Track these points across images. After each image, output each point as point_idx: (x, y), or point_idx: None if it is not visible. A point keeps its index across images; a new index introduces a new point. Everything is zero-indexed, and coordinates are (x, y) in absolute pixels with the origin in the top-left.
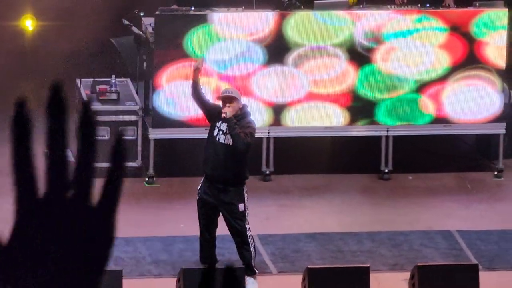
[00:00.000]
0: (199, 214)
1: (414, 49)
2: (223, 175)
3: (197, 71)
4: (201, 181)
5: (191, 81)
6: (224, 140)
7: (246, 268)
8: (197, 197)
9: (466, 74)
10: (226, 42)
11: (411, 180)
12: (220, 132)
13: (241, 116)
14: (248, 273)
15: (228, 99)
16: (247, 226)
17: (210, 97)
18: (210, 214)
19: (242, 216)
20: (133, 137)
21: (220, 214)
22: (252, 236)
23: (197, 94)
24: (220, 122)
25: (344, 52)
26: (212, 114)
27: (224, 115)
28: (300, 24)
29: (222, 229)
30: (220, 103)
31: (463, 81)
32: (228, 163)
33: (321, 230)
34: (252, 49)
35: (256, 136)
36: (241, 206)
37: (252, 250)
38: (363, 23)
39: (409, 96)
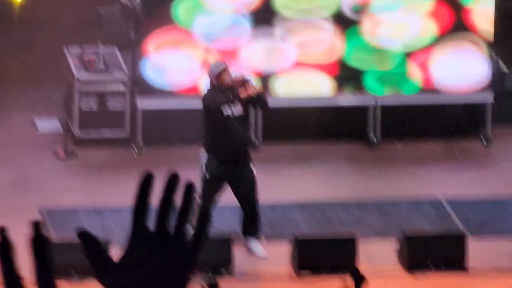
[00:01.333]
0: (207, 191)
1: (402, 20)
2: (242, 145)
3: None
4: (205, 162)
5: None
6: (237, 112)
7: (255, 233)
8: (206, 176)
9: (453, 42)
10: (214, 14)
11: (399, 149)
12: (227, 108)
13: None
14: (255, 237)
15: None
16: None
17: (198, 70)
18: (217, 190)
19: (254, 180)
20: (121, 107)
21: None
22: None
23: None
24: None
25: (332, 25)
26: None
27: (252, 90)
28: None
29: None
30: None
31: (451, 50)
32: (245, 132)
33: (309, 199)
34: (240, 19)
35: None
36: (251, 165)
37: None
38: None
39: (397, 66)
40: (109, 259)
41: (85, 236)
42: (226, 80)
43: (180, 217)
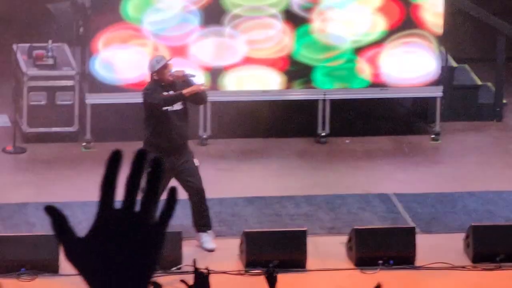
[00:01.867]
0: None
1: (352, 15)
2: (181, 139)
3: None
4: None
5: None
6: (177, 107)
7: (205, 225)
8: None
9: (403, 37)
10: (163, 11)
11: (348, 144)
12: None
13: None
14: (206, 229)
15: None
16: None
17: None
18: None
19: (198, 171)
20: (70, 102)
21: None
22: None
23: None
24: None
25: (281, 21)
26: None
27: (193, 88)
28: None
29: None
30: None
31: (400, 45)
32: (184, 126)
33: (258, 194)
34: (189, 15)
35: None
36: (195, 161)
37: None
38: None
39: (346, 62)
40: (76, 235)
41: (52, 211)
42: (167, 75)
43: (147, 194)
